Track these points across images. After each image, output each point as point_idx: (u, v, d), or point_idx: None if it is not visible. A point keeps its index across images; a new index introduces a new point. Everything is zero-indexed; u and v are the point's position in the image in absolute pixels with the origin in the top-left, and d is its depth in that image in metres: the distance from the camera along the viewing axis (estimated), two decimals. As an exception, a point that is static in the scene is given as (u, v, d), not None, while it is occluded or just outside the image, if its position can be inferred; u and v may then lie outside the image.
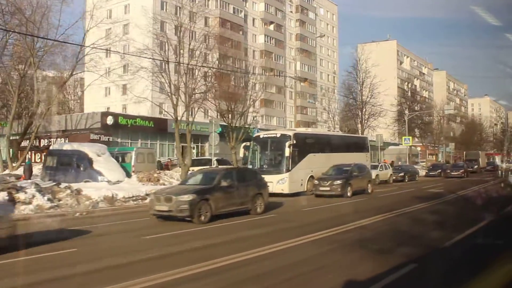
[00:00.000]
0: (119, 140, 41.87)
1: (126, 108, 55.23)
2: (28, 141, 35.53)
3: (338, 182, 24.11)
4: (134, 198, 22.26)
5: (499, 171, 59.04)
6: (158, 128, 43.15)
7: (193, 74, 30.45)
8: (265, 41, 79.63)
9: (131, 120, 42.12)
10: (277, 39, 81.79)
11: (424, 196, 24.78)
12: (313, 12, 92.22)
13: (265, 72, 74.75)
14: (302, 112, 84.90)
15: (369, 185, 27.09)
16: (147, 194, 22.77)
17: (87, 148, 26.12)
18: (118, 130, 41.75)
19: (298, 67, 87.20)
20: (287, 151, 25.31)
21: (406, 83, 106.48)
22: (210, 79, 31.52)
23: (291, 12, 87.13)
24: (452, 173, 46.44)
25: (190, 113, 30.38)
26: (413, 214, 17.10)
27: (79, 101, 77.17)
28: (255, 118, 75.30)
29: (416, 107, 63.93)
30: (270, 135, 27.33)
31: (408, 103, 60.71)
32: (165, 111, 32.68)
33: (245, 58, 73.23)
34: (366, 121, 51.41)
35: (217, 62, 37.03)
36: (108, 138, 39.48)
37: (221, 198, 15.88)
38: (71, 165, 25.50)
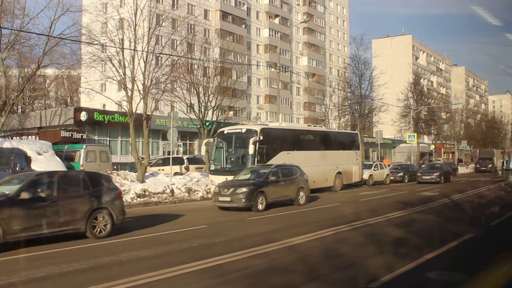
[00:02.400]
0: (95, 137, 39.20)
1: (122, 105, 52.54)
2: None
3: (243, 190, 18.09)
4: (65, 203, 19.21)
5: (499, 171, 55.32)
6: (139, 125, 40.11)
7: (159, 63, 27.30)
8: (269, 35, 76.26)
9: (108, 116, 39.27)
10: (282, 33, 78.32)
11: (408, 201, 21.26)
12: (321, 5, 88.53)
13: (270, 67, 71.65)
14: (310, 109, 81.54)
15: (300, 193, 20.37)
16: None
17: (27, 146, 23.24)
18: (94, 126, 39.10)
19: (306, 62, 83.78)
20: (252, 148, 22.00)
21: (422, 79, 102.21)
22: (174, 68, 28.10)
23: (298, 5, 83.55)
24: (424, 177, 35.93)
25: (154, 106, 27.24)
26: (370, 229, 13.58)
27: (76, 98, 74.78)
28: (258, 115, 73.72)
29: (425, 102, 59.48)
30: (234, 130, 24.02)
31: (415, 97, 56.45)
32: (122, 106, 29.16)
33: (248, 53, 70.48)
34: (366, 117, 47.60)
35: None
36: (82, 135, 36.78)
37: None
38: (8, 165, 22.50)
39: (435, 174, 35.71)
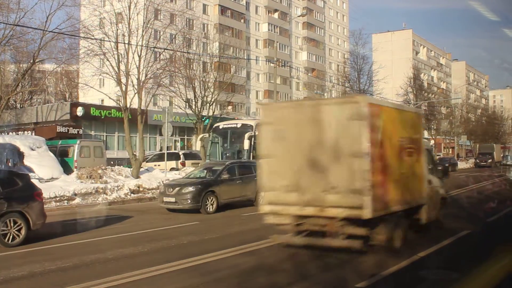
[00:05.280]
0: (92, 132, 38.89)
1: (119, 101, 52.28)
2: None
3: (189, 189, 16.19)
4: (57, 198, 19.06)
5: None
6: (135, 120, 39.90)
7: (156, 58, 27.03)
8: (268, 29, 75.78)
9: (105, 111, 38.87)
10: (282, 28, 77.83)
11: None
12: (321, 0, 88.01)
13: (268, 61, 71.28)
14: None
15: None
16: (75, 194, 19.65)
17: (19, 141, 23.03)
18: (91, 122, 38.75)
19: (305, 57, 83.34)
20: (248, 144, 21.75)
21: (422, 73, 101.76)
22: (171, 62, 27.76)
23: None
24: None
25: (150, 100, 26.97)
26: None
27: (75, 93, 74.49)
28: (258, 110, 73.24)
29: (425, 97, 59.14)
30: (230, 125, 23.80)
31: (414, 92, 56.10)
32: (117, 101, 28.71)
33: (247, 48, 70.10)
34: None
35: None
36: (78, 131, 36.39)
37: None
38: (1, 160, 22.28)
39: None
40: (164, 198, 16.66)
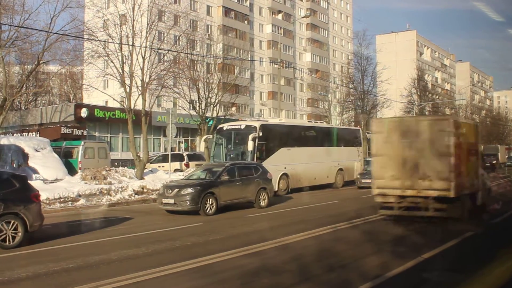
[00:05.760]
0: (96, 134, 38.94)
1: (123, 102, 52.31)
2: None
3: (188, 191, 15.94)
4: (62, 199, 19.12)
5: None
6: (140, 121, 39.94)
7: (160, 59, 27.06)
8: (272, 31, 75.77)
9: (109, 112, 38.95)
10: (285, 29, 77.79)
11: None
12: (325, 1, 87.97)
13: (272, 63, 71.23)
14: (313, 105, 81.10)
15: (262, 194, 18.17)
16: (79, 195, 19.70)
17: (24, 143, 23.08)
18: (95, 123, 38.82)
19: (309, 58, 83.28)
20: (252, 145, 21.73)
21: (426, 75, 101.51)
22: (174, 64, 27.73)
23: (302, 0, 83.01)
24: (364, 180, 26.35)
25: (154, 102, 27.02)
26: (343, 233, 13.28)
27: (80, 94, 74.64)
28: (261, 111, 73.36)
29: (429, 98, 58.98)
30: (234, 127, 23.72)
31: (418, 93, 55.99)
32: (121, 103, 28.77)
33: (250, 49, 70.12)
34: (369, 113, 47.19)
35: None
36: (82, 132, 36.47)
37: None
38: (5, 161, 22.36)
39: None
40: (163, 199, 16.46)
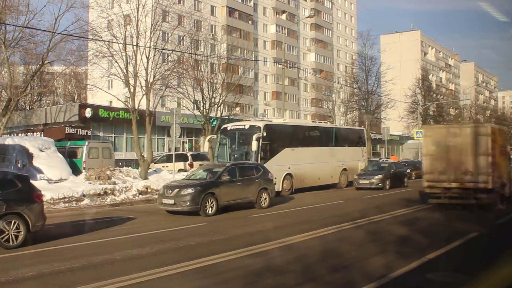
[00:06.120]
0: (101, 134, 39.12)
1: (127, 102, 52.38)
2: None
3: (188, 191, 15.83)
4: (66, 199, 19.15)
5: None
6: (144, 121, 40.00)
7: (164, 59, 27.11)
8: (276, 31, 75.73)
9: (113, 112, 39.04)
10: (289, 29, 77.76)
11: (414, 198, 20.81)
12: (329, 1, 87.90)
13: (276, 62, 71.16)
14: (317, 105, 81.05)
15: (263, 195, 18.08)
16: (83, 195, 19.74)
17: (29, 142, 23.16)
18: (99, 123, 38.97)
19: (313, 58, 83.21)
20: (255, 145, 21.73)
21: (431, 75, 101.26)
22: (178, 64, 27.75)
23: (306, 1, 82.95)
24: (361, 181, 26.80)
25: (158, 102, 27.04)
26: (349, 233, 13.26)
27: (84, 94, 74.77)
28: (265, 111, 73.37)
29: (433, 98, 58.78)
30: (238, 127, 23.71)
31: (422, 93, 55.84)
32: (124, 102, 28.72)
33: (254, 49, 70.11)
34: (373, 113, 47.14)
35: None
36: (87, 132, 36.61)
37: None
38: (10, 161, 22.40)
39: (376, 177, 26.52)
40: (163, 200, 16.33)
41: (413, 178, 36.24)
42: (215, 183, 16.59)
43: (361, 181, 26.57)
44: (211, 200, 16.03)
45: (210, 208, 15.96)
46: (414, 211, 16.77)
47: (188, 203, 15.64)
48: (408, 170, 36.43)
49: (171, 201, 15.95)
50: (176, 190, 15.99)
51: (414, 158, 49.61)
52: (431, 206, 16.79)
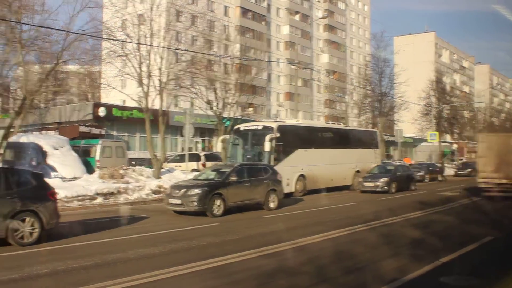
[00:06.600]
0: (114, 133, 39.27)
1: (140, 102, 52.48)
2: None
3: (196, 191, 15.65)
4: (79, 197, 19.25)
5: None
6: (157, 120, 40.11)
7: (177, 59, 27.18)
8: (290, 31, 75.67)
9: (127, 112, 39.21)
10: (303, 30, 77.65)
11: (427, 201, 20.73)
12: (342, 2, 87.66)
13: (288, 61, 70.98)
14: (331, 106, 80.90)
15: (271, 196, 17.85)
16: (97, 194, 19.84)
17: (43, 141, 23.42)
18: (113, 122, 39.10)
19: (326, 60, 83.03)
20: (268, 146, 21.68)
21: (445, 77, 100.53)
22: (191, 64, 27.79)
23: (319, 1, 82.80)
24: (366, 184, 26.06)
25: (171, 102, 27.11)
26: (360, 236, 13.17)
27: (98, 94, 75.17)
28: (278, 112, 73.29)
29: (447, 101, 58.26)
30: (251, 127, 23.73)
31: (437, 95, 55.41)
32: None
33: (267, 50, 70.07)
34: (386, 115, 46.89)
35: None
36: (100, 131, 36.76)
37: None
38: (25, 159, 22.65)
39: (381, 180, 25.93)
40: (169, 200, 16.23)
41: (426, 181, 36.05)
42: (223, 183, 16.46)
43: (365, 184, 26.03)
44: (218, 200, 15.89)
45: (217, 209, 15.81)
46: (428, 213, 16.65)
47: (195, 204, 15.53)
48: (422, 173, 36.26)
49: (178, 201, 15.86)
50: (183, 190, 15.89)
51: (428, 160, 49.30)
52: (446, 209, 16.69)
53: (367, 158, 28.92)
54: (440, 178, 38.47)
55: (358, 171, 27.86)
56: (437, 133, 48.58)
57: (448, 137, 69.00)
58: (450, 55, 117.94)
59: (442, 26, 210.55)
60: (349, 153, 27.30)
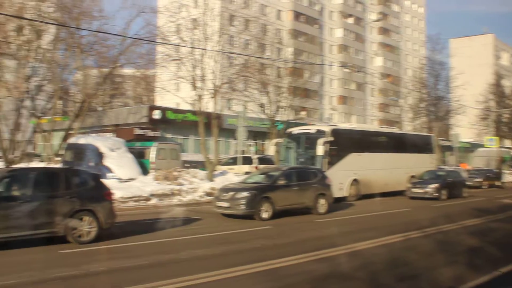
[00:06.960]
0: (169, 135, 39.92)
1: (194, 105, 53.21)
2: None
3: (244, 194, 15.59)
4: (135, 198, 19.70)
5: None
6: (211, 124, 40.56)
7: (231, 63, 27.42)
8: (343, 35, 75.06)
9: (181, 115, 39.77)
10: (356, 33, 76.89)
11: (485, 208, 20.00)
12: (397, 4, 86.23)
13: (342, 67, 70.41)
14: (385, 110, 79.75)
15: (320, 200, 17.49)
16: (151, 195, 20.23)
17: (100, 142, 24.00)
18: (168, 125, 39.74)
19: (381, 63, 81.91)
20: (322, 149, 21.49)
21: (505, 80, 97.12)
22: (244, 67, 27.97)
23: (373, 4, 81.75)
24: (415, 190, 24.71)
25: (225, 105, 27.33)
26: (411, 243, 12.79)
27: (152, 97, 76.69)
28: (331, 116, 72.80)
29: (507, 105, 56.26)
30: (304, 131, 23.58)
31: (496, 98, 53.57)
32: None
33: (320, 53, 69.75)
34: (442, 119, 45.65)
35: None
36: (155, 133, 37.51)
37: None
38: (83, 160, 23.35)
39: (431, 186, 24.42)
40: (218, 202, 16.20)
41: (484, 187, 34.86)
42: (271, 187, 16.31)
43: (414, 190, 24.80)
44: (266, 204, 15.72)
45: (265, 213, 15.64)
46: (486, 221, 16.08)
47: (243, 207, 15.42)
48: (479, 179, 35.09)
49: (226, 204, 15.80)
50: (231, 193, 15.87)
51: (486, 166, 47.63)
52: (506, 217, 16.09)
53: (422, 163, 28.21)
54: (498, 184, 37.13)
55: (413, 176, 27.23)
56: (496, 138, 46.96)
57: (507, 142, 66.65)
58: (510, 57, 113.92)
59: (500, 28, 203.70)
60: (403, 158, 26.72)
